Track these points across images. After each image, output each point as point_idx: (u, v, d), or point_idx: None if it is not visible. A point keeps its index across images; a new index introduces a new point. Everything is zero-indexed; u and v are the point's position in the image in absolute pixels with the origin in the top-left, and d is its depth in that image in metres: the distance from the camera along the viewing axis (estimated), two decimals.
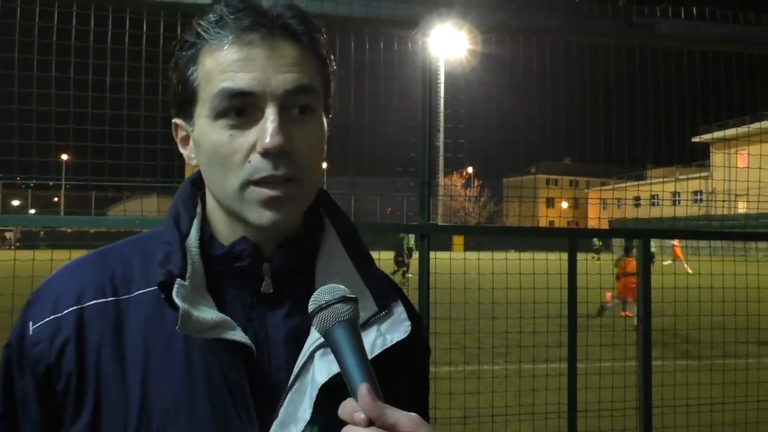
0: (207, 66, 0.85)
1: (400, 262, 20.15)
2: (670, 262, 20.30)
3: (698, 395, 4.36)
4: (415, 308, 1.06)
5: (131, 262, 0.93)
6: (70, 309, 0.88)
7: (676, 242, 21.26)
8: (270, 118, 0.83)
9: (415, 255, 4.14)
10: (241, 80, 0.83)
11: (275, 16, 0.86)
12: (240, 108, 0.84)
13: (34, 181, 4.08)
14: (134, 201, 4.18)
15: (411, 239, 20.47)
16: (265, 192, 0.84)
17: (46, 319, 0.87)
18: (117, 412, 0.84)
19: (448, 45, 4.03)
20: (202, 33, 0.86)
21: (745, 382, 4.41)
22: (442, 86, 4.27)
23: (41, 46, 3.36)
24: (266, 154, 0.83)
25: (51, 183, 4.23)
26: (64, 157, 4.33)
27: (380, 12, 3.56)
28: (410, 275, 18.40)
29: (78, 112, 3.45)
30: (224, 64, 0.83)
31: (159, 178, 3.72)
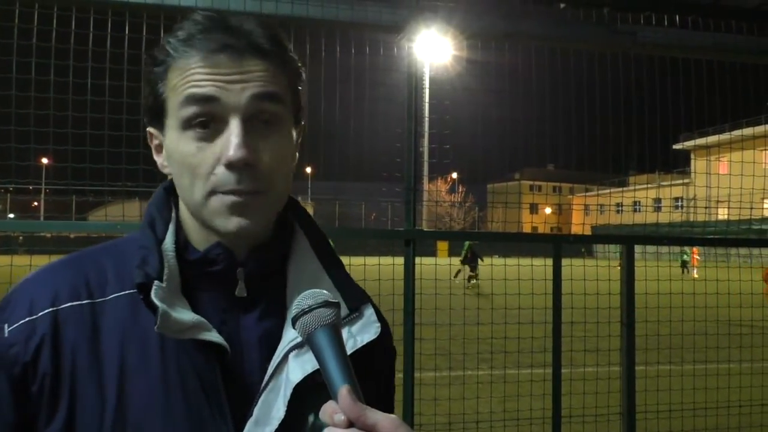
0: (174, 81, 0.88)
1: (474, 267, 20.32)
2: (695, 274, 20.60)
3: (681, 400, 4.39)
4: (380, 311, 1.09)
5: (105, 266, 0.95)
6: (46, 311, 0.88)
7: (695, 249, 21.50)
8: (234, 131, 0.86)
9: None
10: (205, 87, 0.86)
11: (244, 34, 0.89)
12: (205, 119, 0.87)
13: (12, 186, 4.01)
14: (116, 206, 4.12)
15: (465, 245, 20.62)
16: (231, 198, 0.87)
17: (21, 322, 0.87)
18: (92, 413, 0.85)
19: (433, 50, 4.04)
20: (171, 51, 0.88)
21: (727, 387, 4.45)
22: (426, 91, 4.27)
23: (20, 48, 3.30)
24: (230, 166, 0.85)
25: (30, 187, 4.16)
26: (44, 160, 4.27)
27: (365, 16, 3.55)
28: (475, 281, 18.53)
29: (58, 115, 3.40)
30: (190, 76, 0.87)
31: (141, 182, 3.67)
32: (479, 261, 20.64)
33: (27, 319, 0.88)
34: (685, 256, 24.34)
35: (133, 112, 3.46)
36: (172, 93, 0.89)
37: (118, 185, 3.68)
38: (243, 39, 0.88)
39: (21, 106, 3.37)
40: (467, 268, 20.93)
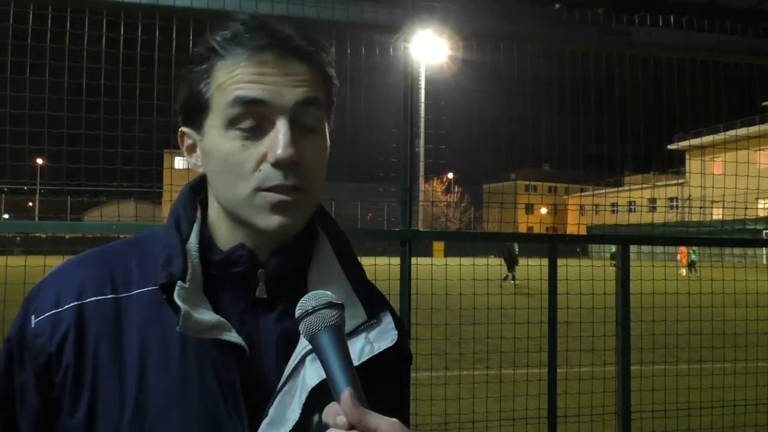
0: (220, 79, 0.90)
1: (511, 266, 20.54)
2: (684, 271, 20.55)
3: (676, 400, 4.40)
4: (400, 318, 1.09)
5: (129, 261, 0.97)
6: (71, 304, 0.91)
7: (682, 248, 21.53)
8: (282, 131, 0.88)
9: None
10: (254, 89, 0.88)
11: (287, 38, 0.91)
12: (252, 118, 0.89)
13: (7, 186, 4.00)
14: (111, 206, 4.11)
15: (517, 246, 20.53)
16: (276, 196, 0.89)
17: (47, 314, 0.91)
18: (113, 406, 0.87)
19: (429, 51, 4.04)
20: (218, 48, 0.90)
21: (721, 387, 4.46)
22: (422, 92, 4.27)
23: (15, 48, 3.29)
24: (278, 164, 0.88)
25: (25, 187, 4.15)
26: (39, 161, 4.25)
27: (361, 16, 3.55)
28: (518, 281, 18.55)
29: (53, 115, 3.39)
30: (238, 76, 0.88)
31: (136, 183, 3.66)
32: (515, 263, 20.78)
33: (53, 311, 0.91)
34: (693, 256, 24.19)
35: (129, 112, 3.45)
36: (218, 92, 0.90)
37: (114, 186, 3.67)
38: (286, 41, 0.90)
39: (16, 106, 3.35)
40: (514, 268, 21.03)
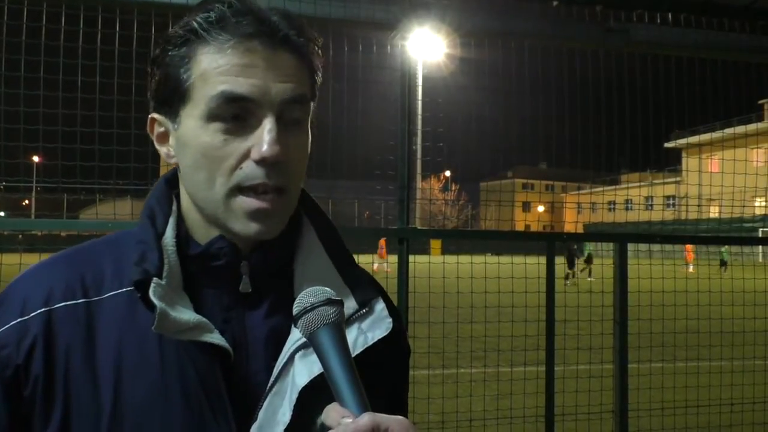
0: (204, 66, 0.83)
1: (572, 262, 20.85)
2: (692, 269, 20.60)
3: (673, 398, 4.40)
4: (395, 306, 1.05)
5: (102, 263, 0.91)
6: (38, 311, 0.85)
7: (689, 246, 21.64)
8: (268, 127, 0.83)
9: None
10: (241, 85, 0.82)
11: (276, 26, 0.85)
12: (236, 112, 0.83)
13: (3, 184, 3.98)
14: (107, 204, 4.10)
15: (588, 247, 20.88)
16: (254, 203, 0.84)
17: (12, 322, 0.84)
18: (88, 416, 0.82)
19: (426, 48, 4.03)
20: (201, 31, 0.83)
21: (719, 385, 4.46)
22: (420, 89, 4.26)
23: (9, 44, 3.27)
24: (262, 162, 0.83)
25: (21, 185, 4.13)
26: (35, 158, 4.24)
27: (358, 14, 3.54)
28: (579, 279, 18.70)
29: (48, 112, 3.37)
30: (224, 67, 0.82)
31: (132, 180, 3.64)
32: (575, 260, 21.08)
33: (19, 319, 0.85)
34: (724, 255, 23.85)
35: (124, 110, 3.43)
36: (200, 80, 0.83)
37: (110, 183, 3.66)
38: (275, 29, 0.85)
39: (10, 103, 3.34)
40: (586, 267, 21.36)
